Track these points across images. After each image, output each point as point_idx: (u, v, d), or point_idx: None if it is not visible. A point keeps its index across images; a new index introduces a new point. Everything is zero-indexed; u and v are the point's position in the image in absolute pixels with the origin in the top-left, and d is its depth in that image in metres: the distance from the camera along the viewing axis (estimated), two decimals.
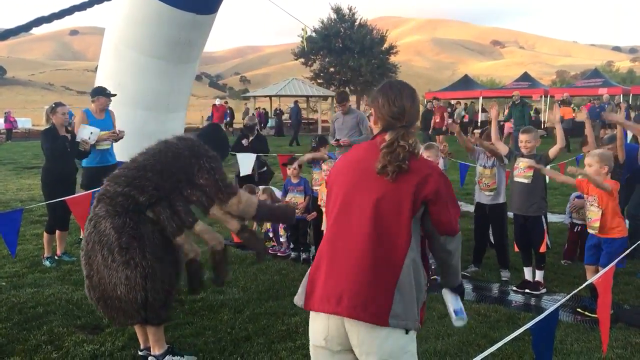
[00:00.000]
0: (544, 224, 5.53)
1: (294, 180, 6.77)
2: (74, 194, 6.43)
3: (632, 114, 19.57)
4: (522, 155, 5.61)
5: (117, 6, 7.53)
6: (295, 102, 29.66)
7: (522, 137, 5.62)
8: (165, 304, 3.82)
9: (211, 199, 3.75)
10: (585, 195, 5.00)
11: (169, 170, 3.70)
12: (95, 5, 2.06)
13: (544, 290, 5.49)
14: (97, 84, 8.23)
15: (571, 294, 3.31)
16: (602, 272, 3.02)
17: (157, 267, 3.63)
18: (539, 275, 5.59)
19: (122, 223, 3.58)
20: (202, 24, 7.76)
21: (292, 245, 7.02)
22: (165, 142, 3.82)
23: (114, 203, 3.61)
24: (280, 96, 34.98)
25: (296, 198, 6.76)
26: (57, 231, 6.62)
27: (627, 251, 3.73)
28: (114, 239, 3.55)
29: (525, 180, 5.52)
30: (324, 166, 6.50)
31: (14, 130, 29.16)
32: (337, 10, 45.69)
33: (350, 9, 45.93)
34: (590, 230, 4.96)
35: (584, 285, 3.23)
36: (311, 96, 36.36)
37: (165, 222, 3.65)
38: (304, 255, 6.87)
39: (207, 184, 3.72)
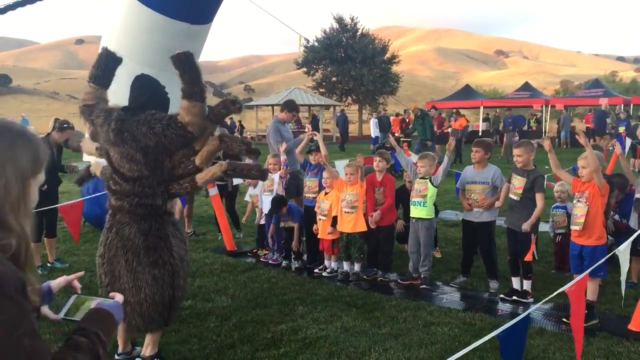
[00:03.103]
0: (532, 236, 5.54)
1: (284, 212, 6.86)
2: (58, 203, 6.54)
3: (632, 123, 19.60)
4: (516, 171, 5.66)
5: (111, 16, 7.62)
6: (342, 111, 30.13)
7: (515, 152, 5.70)
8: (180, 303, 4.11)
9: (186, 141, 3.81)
10: (576, 194, 5.05)
11: (154, 157, 3.80)
12: (28, 5, 2.11)
13: (531, 299, 5.50)
14: None
15: (542, 302, 3.33)
16: (574, 281, 3.05)
17: (180, 266, 3.87)
18: (527, 285, 5.60)
19: (148, 226, 3.80)
20: (196, 34, 7.83)
21: (284, 254, 7.06)
22: (126, 142, 3.78)
23: (137, 213, 3.80)
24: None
25: (288, 223, 6.91)
26: (45, 239, 6.67)
27: (602, 260, 3.75)
28: (141, 242, 3.75)
29: (515, 197, 5.57)
30: (325, 174, 6.55)
31: None
32: (339, 20, 45.90)
33: (352, 19, 46.13)
34: (573, 227, 5.01)
35: (555, 293, 3.25)
36: (313, 105, 36.47)
37: (184, 191, 3.92)
38: (296, 264, 6.91)
39: (170, 135, 3.73)
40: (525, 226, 5.42)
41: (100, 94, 4.04)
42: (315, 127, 25.92)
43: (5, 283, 1.24)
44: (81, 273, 1.91)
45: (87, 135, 4.36)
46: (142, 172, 3.78)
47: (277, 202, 6.75)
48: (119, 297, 1.68)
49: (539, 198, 5.46)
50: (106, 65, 4.04)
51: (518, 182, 5.58)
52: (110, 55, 4.08)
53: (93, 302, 1.61)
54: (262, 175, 4.04)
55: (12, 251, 1.32)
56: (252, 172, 4.00)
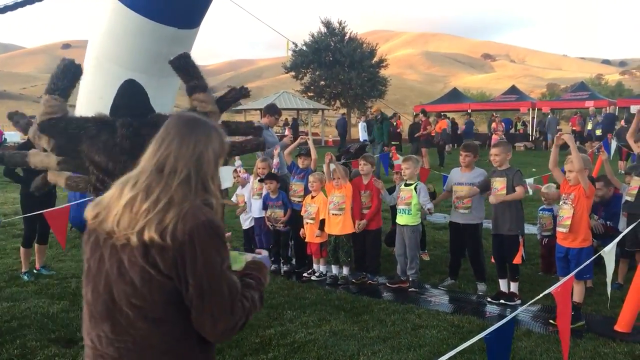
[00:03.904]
0: (520, 239, 5.58)
1: (273, 196, 6.82)
2: (53, 207, 6.45)
3: (618, 126, 19.79)
4: (495, 174, 5.71)
5: (97, 20, 7.57)
6: (343, 115, 30.26)
7: (492, 151, 5.75)
8: None
9: None
10: (562, 195, 5.09)
11: None
12: (28, 6, 2.13)
13: (518, 301, 5.53)
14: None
15: (528, 304, 3.36)
16: (560, 282, 3.07)
17: None
18: (514, 287, 5.64)
19: None
20: (184, 38, 7.77)
21: (273, 258, 7.04)
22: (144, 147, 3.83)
23: None
24: None
25: (276, 213, 6.81)
26: (36, 245, 6.62)
27: (588, 262, 3.79)
28: None
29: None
30: (311, 178, 6.55)
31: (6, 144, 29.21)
32: (327, 24, 45.96)
33: (340, 23, 46.20)
34: (559, 229, 5.05)
35: (541, 295, 3.28)
36: (302, 109, 36.50)
37: None
38: (284, 268, 6.90)
39: None
40: (492, 199, 5.55)
41: (65, 106, 3.96)
42: (295, 130, 26.85)
43: (219, 228, 1.77)
44: (229, 234, 2.30)
45: (40, 149, 4.13)
46: None
47: (269, 175, 6.79)
48: (264, 253, 2.12)
49: (518, 189, 5.50)
50: (73, 76, 3.98)
51: (499, 184, 5.62)
52: (74, 65, 4.01)
53: (247, 256, 2.01)
54: (259, 145, 4.44)
55: (213, 208, 1.83)
56: (250, 144, 4.37)
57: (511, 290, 5.62)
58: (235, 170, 7.61)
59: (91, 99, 7.89)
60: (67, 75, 3.91)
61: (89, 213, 1.84)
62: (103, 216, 1.78)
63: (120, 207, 1.74)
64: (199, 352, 1.81)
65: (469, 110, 31.46)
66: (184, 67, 4.02)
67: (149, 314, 1.72)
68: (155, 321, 1.73)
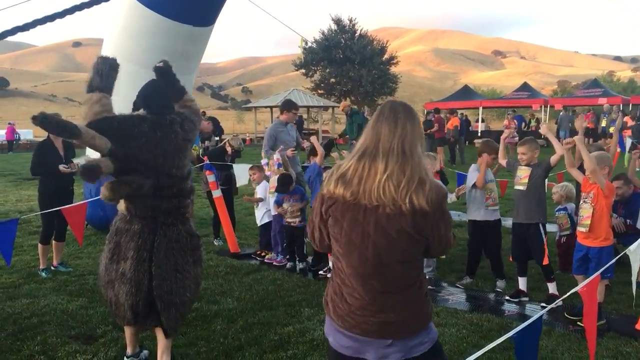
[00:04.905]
0: (543, 235, 5.51)
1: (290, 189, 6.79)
2: (71, 204, 6.48)
3: (629, 123, 19.63)
4: (518, 163, 5.69)
5: (113, 18, 7.60)
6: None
7: (519, 149, 5.68)
8: None
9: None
10: (582, 194, 5.04)
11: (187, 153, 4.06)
12: (95, 6, 2.16)
13: (560, 303, 5.44)
14: None
15: (555, 303, 3.33)
16: (586, 281, 3.04)
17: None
18: (552, 288, 5.50)
19: (189, 226, 3.95)
20: (198, 36, 7.82)
21: (288, 256, 7.04)
22: (171, 141, 3.86)
23: (181, 212, 3.91)
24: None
25: (294, 206, 6.78)
26: (53, 242, 6.65)
27: (613, 261, 3.75)
28: (188, 241, 3.89)
29: (522, 187, 5.56)
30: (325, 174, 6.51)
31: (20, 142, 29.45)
32: (338, 21, 45.93)
33: (350, 20, 46.18)
34: (579, 229, 4.98)
35: (568, 294, 3.25)
36: (312, 106, 36.47)
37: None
38: (300, 266, 6.88)
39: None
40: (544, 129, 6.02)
41: (112, 105, 3.95)
42: (300, 128, 27.22)
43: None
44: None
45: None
46: (184, 169, 3.91)
47: (284, 180, 6.75)
48: None
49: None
50: (116, 75, 3.99)
51: (524, 172, 5.56)
52: (117, 64, 4.00)
53: None
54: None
55: None
56: None
57: (550, 292, 5.48)
58: (251, 168, 7.62)
59: None
60: (114, 74, 3.92)
61: (339, 191, 2.19)
62: (360, 192, 2.15)
63: (381, 180, 2.11)
64: (425, 277, 2.39)
65: (480, 107, 31.35)
66: (169, 71, 4.00)
67: (411, 264, 2.22)
68: (414, 268, 2.25)
